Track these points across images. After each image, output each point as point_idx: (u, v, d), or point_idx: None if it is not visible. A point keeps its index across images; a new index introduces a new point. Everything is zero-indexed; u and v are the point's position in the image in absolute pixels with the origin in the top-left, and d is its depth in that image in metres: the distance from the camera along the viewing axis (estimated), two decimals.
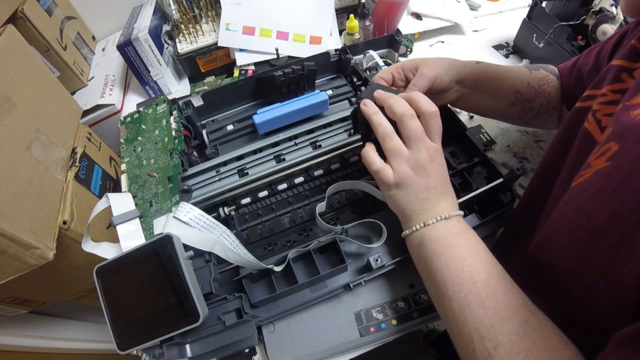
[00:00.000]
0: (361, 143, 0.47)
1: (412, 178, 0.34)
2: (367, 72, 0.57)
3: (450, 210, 0.35)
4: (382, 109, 0.36)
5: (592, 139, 0.31)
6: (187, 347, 0.33)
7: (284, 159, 0.47)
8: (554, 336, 0.26)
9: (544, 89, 0.47)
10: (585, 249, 0.26)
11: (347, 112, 0.50)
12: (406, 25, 0.77)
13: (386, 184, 0.35)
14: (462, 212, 0.35)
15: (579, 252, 0.27)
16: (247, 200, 0.47)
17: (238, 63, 0.67)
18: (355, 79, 0.58)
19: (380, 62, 0.57)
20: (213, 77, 0.74)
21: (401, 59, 0.67)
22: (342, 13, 0.74)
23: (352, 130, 0.49)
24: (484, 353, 0.27)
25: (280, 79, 0.52)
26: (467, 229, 0.34)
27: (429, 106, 0.34)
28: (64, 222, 0.51)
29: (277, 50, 0.62)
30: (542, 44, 0.67)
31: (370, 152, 0.37)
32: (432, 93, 0.41)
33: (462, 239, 0.33)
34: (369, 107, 0.37)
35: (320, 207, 0.41)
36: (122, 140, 0.51)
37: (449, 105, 0.47)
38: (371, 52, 0.58)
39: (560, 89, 0.47)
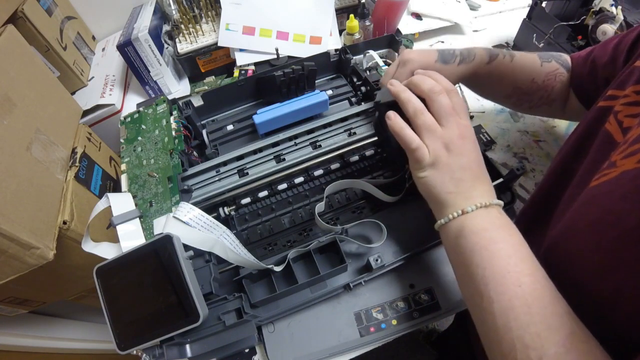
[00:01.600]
0: (361, 143, 0.47)
1: (447, 156, 0.33)
2: (367, 72, 0.57)
3: (489, 197, 0.32)
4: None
5: (612, 140, 0.30)
6: (187, 347, 0.33)
7: (284, 159, 0.47)
8: (599, 350, 0.25)
9: (548, 84, 0.46)
10: (611, 252, 0.25)
11: (347, 113, 0.50)
12: (406, 25, 0.77)
13: (421, 164, 0.34)
14: (502, 202, 0.33)
15: (603, 255, 0.25)
16: (247, 200, 0.47)
17: (238, 63, 0.67)
18: (355, 79, 0.58)
19: (380, 62, 0.57)
20: (213, 77, 0.74)
21: None
22: (342, 13, 0.74)
23: (351, 130, 0.49)
24: None
25: (280, 79, 0.52)
26: (509, 222, 0.32)
27: (450, 84, 0.35)
28: (64, 222, 0.51)
29: (277, 50, 0.62)
30: (542, 44, 0.67)
31: (407, 129, 0.34)
32: None
33: (505, 233, 0.30)
34: (396, 85, 0.36)
35: (319, 207, 0.41)
36: (122, 140, 0.51)
37: None
38: (371, 52, 0.58)
39: (571, 78, 0.47)
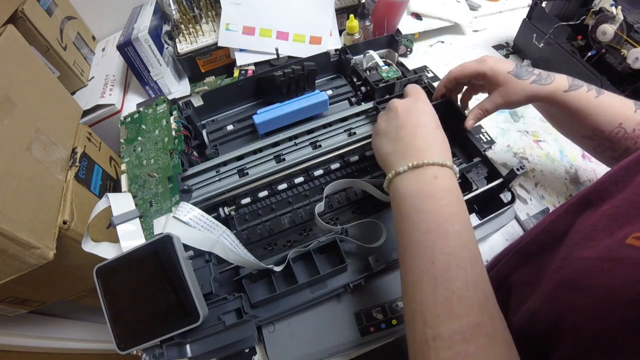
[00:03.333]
0: (361, 144, 0.47)
1: (385, 122, 0.38)
2: (367, 72, 0.57)
3: (427, 157, 0.31)
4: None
5: None
6: (187, 347, 0.33)
7: (284, 159, 0.47)
8: (502, 349, 0.24)
9: None
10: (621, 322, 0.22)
11: (347, 113, 0.50)
12: (406, 25, 0.77)
13: (373, 133, 0.39)
14: (445, 163, 0.31)
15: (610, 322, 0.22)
16: (247, 200, 0.47)
17: (238, 63, 0.67)
18: (355, 79, 0.58)
19: (380, 62, 0.57)
20: (213, 77, 0.74)
21: (401, 59, 0.67)
22: (342, 13, 0.74)
23: (351, 130, 0.49)
24: (421, 338, 0.26)
25: (280, 79, 0.52)
26: (446, 190, 0.30)
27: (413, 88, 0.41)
28: (64, 222, 0.51)
29: (277, 50, 0.62)
30: (542, 44, 0.67)
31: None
32: None
33: (433, 204, 0.29)
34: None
35: (319, 207, 0.41)
36: (122, 140, 0.51)
37: (452, 101, 0.47)
38: (371, 52, 0.58)
39: None
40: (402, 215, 0.31)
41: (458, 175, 0.33)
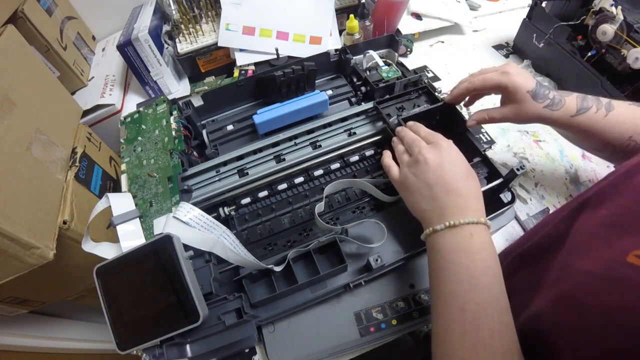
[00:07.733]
0: (361, 144, 0.47)
1: (413, 176, 0.37)
2: (367, 72, 0.57)
3: (463, 216, 0.33)
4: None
5: None
6: (187, 347, 0.33)
7: (284, 159, 0.47)
8: None
9: None
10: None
11: (347, 113, 0.50)
12: (406, 25, 0.77)
13: (394, 180, 0.40)
14: (480, 221, 0.33)
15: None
16: (247, 200, 0.47)
17: (238, 63, 0.67)
18: (355, 79, 0.58)
19: (380, 62, 0.57)
20: (213, 77, 0.74)
21: (401, 59, 0.67)
22: (342, 13, 0.73)
23: (351, 130, 0.49)
24: None
25: (280, 79, 0.52)
26: (480, 246, 0.32)
27: (421, 127, 0.42)
28: (64, 222, 0.51)
29: (277, 50, 0.62)
30: (542, 44, 0.67)
31: (385, 155, 0.43)
32: None
33: (468, 258, 0.31)
34: (398, 129, 0.44)
35: (319, 207, 0.41)
36: (122, 140, 0.51)
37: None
38: (371, 52, 0.58)
39: None
40: (438, 266, 0.33)
41: (491, 228, 0.35)
